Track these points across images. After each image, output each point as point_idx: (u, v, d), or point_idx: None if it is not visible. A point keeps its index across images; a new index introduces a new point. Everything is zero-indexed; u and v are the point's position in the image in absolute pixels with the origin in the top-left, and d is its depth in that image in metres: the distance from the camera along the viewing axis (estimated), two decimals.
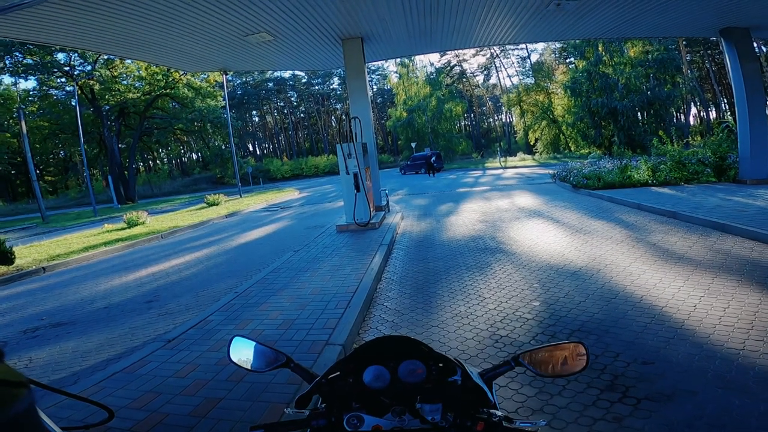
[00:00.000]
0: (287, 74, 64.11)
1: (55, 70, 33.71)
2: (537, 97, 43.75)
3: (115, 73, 34.74)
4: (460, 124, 60.57)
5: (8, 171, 44.75)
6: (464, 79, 65.09)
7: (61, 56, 33.11)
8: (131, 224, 15.44)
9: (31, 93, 37.27)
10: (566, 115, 38.84)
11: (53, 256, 10.77)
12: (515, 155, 43.33)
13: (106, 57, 31.69)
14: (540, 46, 51.38)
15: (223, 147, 48.73)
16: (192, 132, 45.57)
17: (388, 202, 12.15)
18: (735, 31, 11.48)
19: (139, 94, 36.28)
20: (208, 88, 38.15)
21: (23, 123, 25.94)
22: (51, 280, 8.71)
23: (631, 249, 6.23)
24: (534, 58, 55.06)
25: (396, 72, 55.23)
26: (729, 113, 35.80)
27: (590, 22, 10.58)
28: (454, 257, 6.79)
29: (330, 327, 4.13)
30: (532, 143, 43.85)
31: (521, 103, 45.59)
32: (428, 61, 56.46)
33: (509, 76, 63.18)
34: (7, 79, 34.06)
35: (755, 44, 14.10)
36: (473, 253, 6.90)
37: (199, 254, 9.59)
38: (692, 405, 2.56)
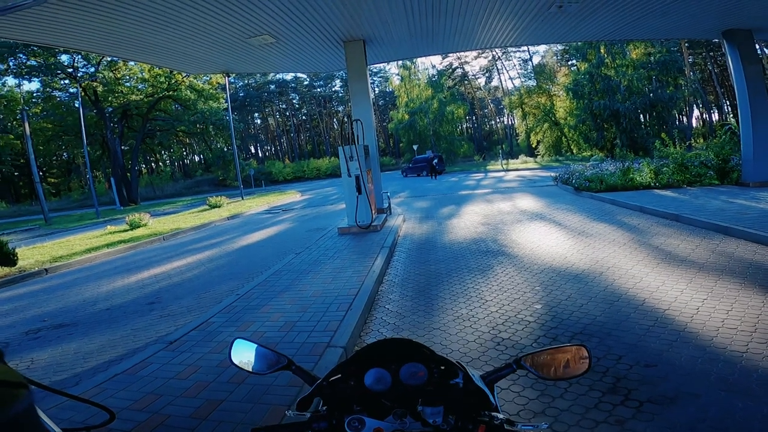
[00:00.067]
0: (289, 76, 64.41)
1: (59, 71, 33.87)
2: (539, 99, 43.73)
3: (119, 75, 34.88)
4: (461, 126, 60.55)
5: (11, 173, 44.99)
6: (466, 82, 65.18)
7: (64, 58, 33.27)
8: (133, 226, 15.47)
9: (34, 95, 37.43)
10: (568, 118, 38.81)
11: (56, 257, 10.80)
12: (517, 158, 43.31)
13: (109, 59, 31.84)
14: (542, 48, 51.54)
15: (225, 149, 48.82)
16: (194, 134, 45.66)
17: (389, 204, 12.15)
18: (737, 33, 11.46)
19: (142, 96, 36.42)
20: (211, 90, 38.26)
21: (27, 124, 26.07)
22: (53, 282, 8.74)
23: (634, 252, 6.22)
24: (536, 60, 55.26)
25: (398, 74, 55.44)
26: (732, 115, 35.69)
27: (592, 25, 10.58)
28: (456, 260, 6.78)
29: (331, 329, 4.12)
30: (533, 146, 43.81)
31: (523, 106, 45.57)
32: (430, 64, 56.78)
33: (511, 79, 63.17)
34: (11, 81, 34.30)
35: (758, 46, 14.07)
36: (475, 256, 6.89)
37: (201, 256, 9.60)
38: (695, 408, 2.55)
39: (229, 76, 27.39)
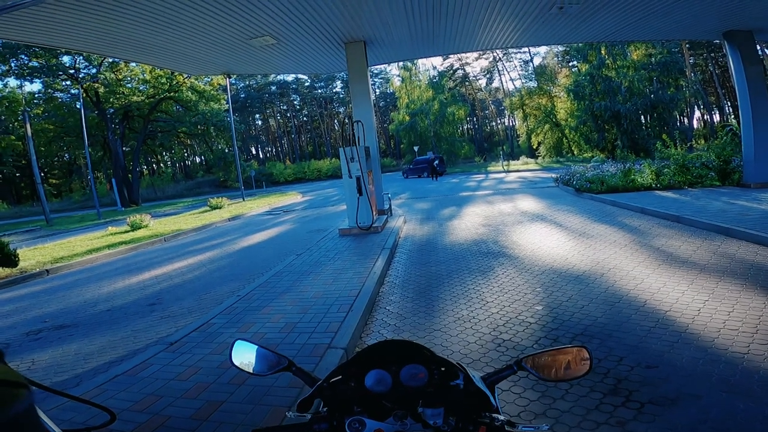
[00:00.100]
0: (290, 78, 64.47)
1: (61, 72, 33.98)
2: (540, 100, 43.71)
3: (120, 76, 34.96)
4: (462, 127, 60.61)
5: (13, 174, 45.07)
6: (467, 83, 65.22)
7: (66, 59, 33.38)
8: (134, 227, 15.48)
9: (36, 96, 37.55)
10: (569, 119, 38.79)
11: (57, 258, 10.81)
12: (518, 159, 43.27)
13: (110, 60, 31.92)
14: (543, 49, 51.56)
15: (227, 150, 48.86)
16: (195, 135, 45.74)
17: (390, 205, 12.15)
18: (738, 34, 11.46)
19: (143, 97, 36.49)
20: (212, 92, 38.33)
21: (28, 126, 26.10)
22: (54, 283, 8.74)
23: (635, 253, 6.21)
24: (537, 61, 55.27)
25: (399, 75, 55.49)
26: (733, 116, 35.64)
27: (593, 26, 10.59)
28: (457, 261, 6.78)
29: (332, 330, 4.12)
30: (534, 147, 43.79)
31: (524, 107, 45.54)
32: (431, 65, 56.78)
33: (512, 80, 63.25)
34: (13, 82, 34.42)
35: (758, 47, 14.04)
36: (476, 257, 6.89)
37: (202, 257, 9.61)
38: (696, 409, 2.54)
39: (230, 78, 27.40)
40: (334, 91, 66.79)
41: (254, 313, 4.93)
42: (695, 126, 43.99)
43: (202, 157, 61.62)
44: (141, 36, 8.17)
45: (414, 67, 50.68)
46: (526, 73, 58.18)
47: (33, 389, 0.50)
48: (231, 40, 9.07)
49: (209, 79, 37.05)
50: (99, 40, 8.22)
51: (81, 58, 32.79)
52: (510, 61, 59.91)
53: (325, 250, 8.18)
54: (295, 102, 69.58)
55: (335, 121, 68.40)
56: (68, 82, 35.36)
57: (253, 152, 72.16)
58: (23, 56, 31.29)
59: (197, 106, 37.94)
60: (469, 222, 10.45)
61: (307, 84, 65.62)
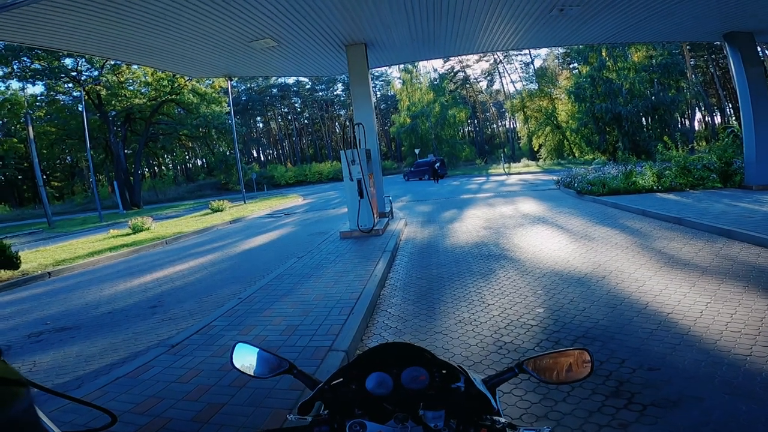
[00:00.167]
0: (291, 80, 64.63)
1: (63, 75, 34.09)
2: (540, 102, 43.75)
3: (122, 79, 35.07)
4: (463, 130, 60.65)
5: (15, 176, 45.17)
6: (468, 85, 65.29)
7: (68, 61, 33.50)
8: (136, 230, 15.50)
9: (38, 98, 37.69)
10: (570, 121, 38.83)
11: (58, 261, 10.83)
12: (519, 161, 43.28)
13: (112, 62, 32.03)
14: (543, 51, 51.58)
15: (228, 153, 48.98)
16: (197, 138, 45.87)
17: (391, 208, 12.16)
18: (739, 35, 11.46)
19: (145, 100, 36.60)
20: (213, 94, 38.44)
21: (30, 128, 26.16)
22: (56, 285, 8.76)
23: (637, 255, 6.20)
24: (537, 63, 55.31)
25: (399, 78, 55.55)
26: (734, 118, 35.59)
27: (593, 28, 10.60)
28: (458, 264, 6.77)
29: (333, 333, 4.12)
30: (535, 149, 43.82)
31: (525, 109, 45.57)
32: (431, 67, 56.92)
33: (513, 82, 63.35)
34: (15, 84, 34.50)
35: (759, 48, 14.05)
36: (477, 260, 6.88)
37: (203, 260, 9.61)
38: (699, 411, 2.53)
39: (231, 80, 27.46)
40: (335, 93, 66.92)
41: (255, 315, 4.93)
42: (696, 128, 43.97)
43: (204, 160, 61.79)
44: (142, 38, 8.20)
45: (415, 70, 50.75)
46: (527, 76, 58.33)
47: (32, 389, 0.50)
48: (232, 43, 9.10)
49: (211, 82, 37.17)
50: (100, 43, 8.25)
51: (83, 60, 32.92)
52: (511, 64, 60.06)
53: (326, 253, 8.18)
54: (296, 104, 69.72)
55: (336, 123, 68.51)
56: (70, 85, 35.49)
57: (255, 155, 72.30)
58: (26, 58, 31.41)
59: (199, 108, 38.07)
60: (471, 224, 10.45)
61: (308, 86, 65.76)
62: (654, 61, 32.93)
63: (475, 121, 66.82)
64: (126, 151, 40.07)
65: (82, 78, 33.84)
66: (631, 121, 32.64)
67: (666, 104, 32.59)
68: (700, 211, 8.69)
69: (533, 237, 8.24)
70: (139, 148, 40.52)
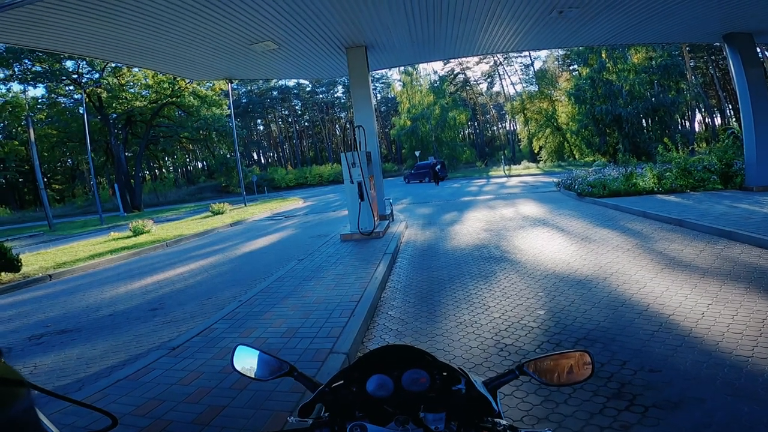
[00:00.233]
0: (292, 83, 64.73)
1: (64, 77, 34.13)
2: (541, 104, 43.78)
3: (123, 81, 35.14)
4: (463, 132, 60.65)
5: (16, 179, 45.26)
6: (468, 87, 65.38)
7: (69, 64, 33.57)
8: (137, 232, 15.51)
9: (39, 101, 37.74)
10: (570, 123, 38.84)
11: (59, 263, 10.83)
12: (519, 163, 43.31)
13: (113, 65, 32.09)
14: (543, 53, 51.75)
15: (228, 156, 49.03)
16: (197, 140, 45.92)
17: (392, 211, 12.16)
18: (739, 36, 11.47)
19: (145, 103, 36.66)
20: (214, 97, 38.51)
21: (31, 131, 26.22)
22: (57, 288, 8.76)
23: (638, 257, 6.19)
24: (537, 65, 55.49)
25: (400, 80, 55.61)
26: (734, 119, 35.71)
27: (593, 29, 10.61)
28: (459, 266, 6.77)
29: (334, 335, 4.11)
30: (536, 151, 43.82)
31: (525, 111, 45.61)
32: (432, 70, 56.75)
33: (513, 84, 63.53)
34: (16, 87, 34.55)
35: (759, 50, 14.06)
36: (477, 262, 6.88)
37: (204, 263, 9.61)
38: (701, 412, 2.53)
39: (231, 83, 27.46)
40: (335, 96, 67.03)
41: (256, 318, 4.92)
42: (697, 129, 44.00)
43: (204, 163, 61.87)
44: (143, 41, 8.21)
45: (415, 72, 50.79)
46: (527, 77, 58.47)
47: (33, 391, 0.50)
48: (232, 45, 9.12)
49: (211, 85, 37.25)
50: (101, 45, 8.26)
51: (84, 63, 32.98)
52: (511, 65, 60.19)
53: (326, 256, 8.17)
54: (296, 107, 69.81)
55: (337, 126, 68.53)
56: (71, 87, 35.53)
57: (255, 157, 72.39)
58: (26, 61, 31.46)
59: (199, 111, 38.12)
60: (471, 227, 10.45)
61: (308, 89, 65.87)
62: (654, 62, 32.94)
63: (476, 124, 66.86)
64: (127, 153, 40.12)
65: (83, 80, 33.90)
66: (632, 122, 32.62)
67: (666, 106, 32.58)
68: (700, 212, 8.68)
69: (534, 239, 8.24)
70: (139, 150, 40.58)
